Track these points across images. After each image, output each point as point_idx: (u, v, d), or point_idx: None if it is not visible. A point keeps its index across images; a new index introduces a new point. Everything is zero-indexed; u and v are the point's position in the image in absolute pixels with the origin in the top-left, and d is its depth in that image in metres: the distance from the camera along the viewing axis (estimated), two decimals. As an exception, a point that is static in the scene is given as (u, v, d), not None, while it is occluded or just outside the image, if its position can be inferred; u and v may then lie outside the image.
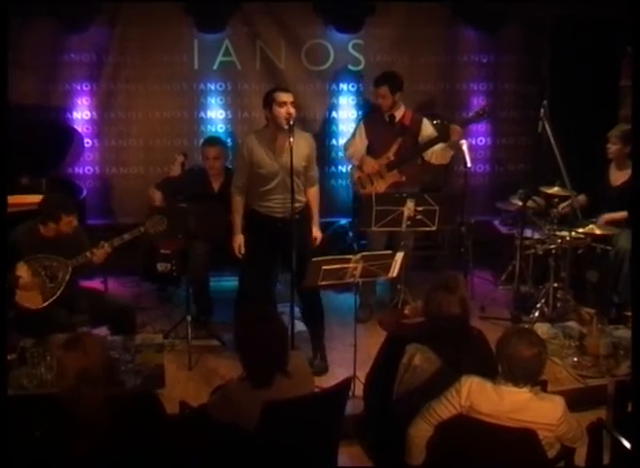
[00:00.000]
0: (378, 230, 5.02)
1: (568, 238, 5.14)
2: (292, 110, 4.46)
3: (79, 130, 6.27)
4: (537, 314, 5.28)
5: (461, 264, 5.58)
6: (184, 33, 6.21)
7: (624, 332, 4.10)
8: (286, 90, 4.66)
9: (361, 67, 6.44)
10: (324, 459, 3.16)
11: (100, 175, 6.45)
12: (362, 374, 3.98)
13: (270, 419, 2.85)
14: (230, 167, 5.51)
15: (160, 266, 5.51)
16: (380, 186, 5.34)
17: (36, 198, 4.94)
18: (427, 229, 5.03)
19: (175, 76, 6.29)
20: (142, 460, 2.75)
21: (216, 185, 5.46)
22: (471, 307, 3.60)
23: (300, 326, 4.89)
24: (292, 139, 4.37)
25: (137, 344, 4.08)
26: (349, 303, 4.92)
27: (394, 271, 4.29)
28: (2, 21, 4.04)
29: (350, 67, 6.44)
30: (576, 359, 3.96)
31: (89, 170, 6.43)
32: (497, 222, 6.38)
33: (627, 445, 3.08)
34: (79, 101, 6.26)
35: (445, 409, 3.02)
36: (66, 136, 6.12)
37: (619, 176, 5.42)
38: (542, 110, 5.17)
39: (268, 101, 4.53)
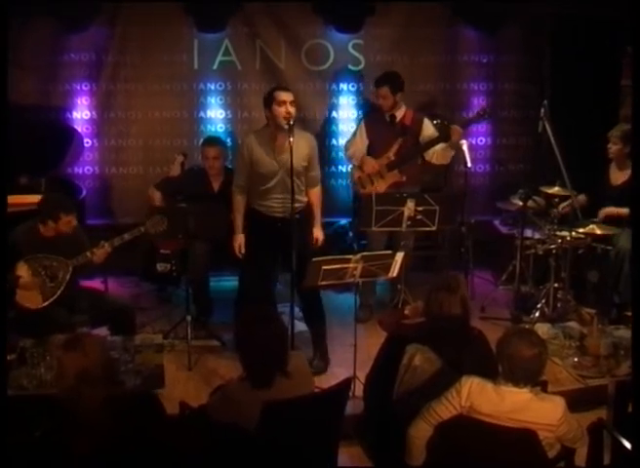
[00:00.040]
0: (378, 230, 5.02)
1: (568, 238, 5.14)
2: (291, 109, 4.45)
3: (79, 129, 6.26)
4: (537, 314, 5.27)
5: (462, 264, 5.57)
6: (184, 33, 6.21)
7: (625, 333, 4.09)
8: (286, 89, 4.65)
9: (361, 67, 6.44)
10: (324, 459, 3.15)
11: (99, 174, 6.45)
12: (362, 375, 3.98)
13: (270, 419, 2.85)
14: (230, 167, 5.51)
15: (160, 266, 5.50)
16: (381, 186, 5.34)
17: (35, 198, 4.94)
18: (428, 229, 5.03)
19: (174, 76, 6.29)
20: (142, 461, 2.75)
21: (215, 185, 5.45)
22: (472, 307, 3.60)
23: (300, 326, 4.88)
24: (292, 139, 4.37)
25: (136, 344, 4.07)
26: (349, 303, 4.91)
27: (394, 271, 4.29)
28: (2, 21, 4.04)
29: (350, 67, 6.44)
30: (576, 359, 3.95)
31: (88, 170, 6.43)
32: (497, 222, 6.38)
33: (628, 445, 3.08)
34: (79, 101, 6.26)
35: (445, 409, 3.01)
36: (66, 135, 6.11)
37: (619, 176, 5.41)
38: (543, 110, 5.17)
39: (269, 101, 4.53)
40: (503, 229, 6.22)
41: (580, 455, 3.26)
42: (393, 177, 5.33)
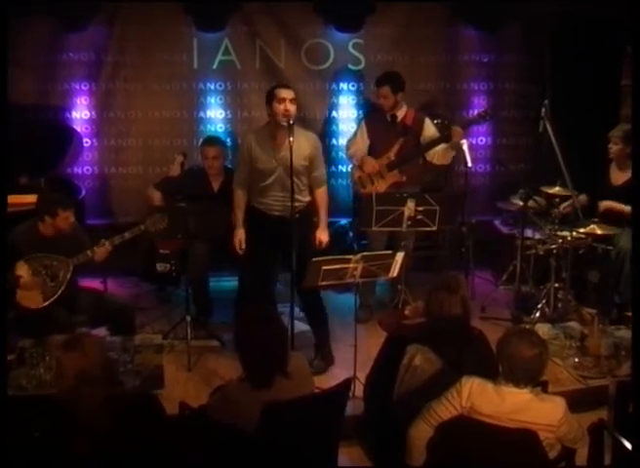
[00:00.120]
0: (378, 230, 5.01)
1: (569, 238, 5.13)
2: (290, 107, 4.44)
3: (78, 129, 6.25)
4: (538, 314, 5.26)
5: (462, 264, 5.56)
6: (184, 32, 6.20)
7: (626, 333, 4.09)
8: (287, 86, 4.66)
9: (361, 67, 6.43)
10: (324, 460, 3.15)
11: (99, 174, 6.44)
12: (362, 375, 3.97)
13: (270, 420, 2.84)
14: (230, 166, 5.51)
15: (159, 266, 5.49)
16: (381, 186, 5.33)
17: (35, 198, 4.93)
18: (428, 229, 5.02)
19: (174, 75, 6.28)
20: (142, 461, 2.74)
21: (215, 185, 5.45)
22: (472, 307, 3.60)
23: (300, 326, 4.88)
24: (292, 139, 4.36)
25: (136, 345, 4.07)
26: (349, 304, 4.90)
27: (394, 271, 4.28)
28: (2, 21, 4.03)
29: (350, 67, 6.43)
30: (577, 359, 3.95)
31: (88, 169, 6.42)
32: (497, 222, 6.37)
33: (628, 445, 3.07)
34: (78, 101, 6.25)
35: (445, 409, 3.01)
36: (65, 135, 6.10)
37: (620, 176, 5.41)
38: (543, 110, 5.17)
39: (269, 98, 4.53)
40: (504, 229, 6.22)
41: (581, 456, 3.26)
42: (393, 177, 5.32)
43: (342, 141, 6.27)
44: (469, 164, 5.33)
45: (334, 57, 6.39)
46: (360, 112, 6.46)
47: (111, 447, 2.68)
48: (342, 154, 6.31)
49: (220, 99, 6.40)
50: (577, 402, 3.42)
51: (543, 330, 4.17)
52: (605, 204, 5.31)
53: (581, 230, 5.18)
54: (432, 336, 3.33)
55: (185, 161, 5.29)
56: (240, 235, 4.71)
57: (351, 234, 6.25)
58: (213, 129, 6.41)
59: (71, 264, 4.43)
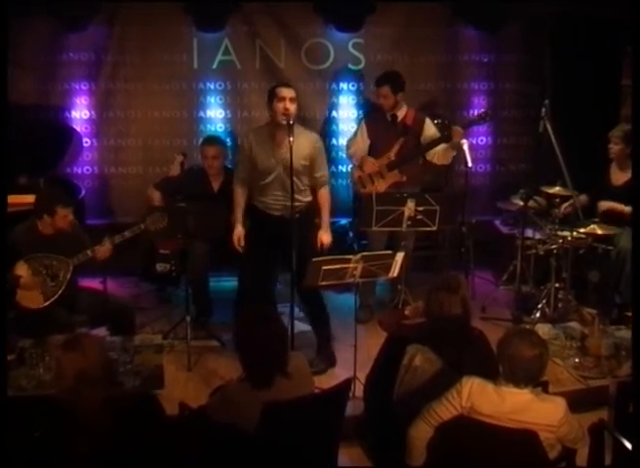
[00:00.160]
0: (378, 230, 5.01)
1: (569, 238, 5.13)
2: (289, 106, 4.44)
3: (78, 129, 6.25)
4: (538, 314, 5.26)
5: (462, 264, 5.55)
6: (184, 32, 6.20)
7: (626, 333, 4.08)
8: (287, 85, 4.67)
9: (361, 66, 6.43)
10: (324, 460, 3.15)
11: (98, 174, 6.44)
12: (362, 375, 3.97)
13: (270, 420, 2.84)
14: (230, 166, 5.50)
15: (159, 266, 5.48)
16: (381, 186, 5.32)
17: (34, 198, 4.92)
18: (428, 229, 5.01)
19: (174, 75, 6.28)
20: (142, 461, 2.74)
21: (215, 185, 5.44)
22: (472, 308, 3.59)
23: (300, 326, 4.87)
24: (291, 139, 4.35)
25: (135, 345, 4.06)
26: (349, 304, 4.90)
27: (394, 271, 4.28)
28: (2, 21, 4.02)
29: (350, 66, 6.43)
30: (577, 360, 3.95)
31: (87, 169, 6.42)
32: (498, 222, 6.37)
33: (629, 445, 3.07)
34: (78, 101, 6.25)
35: (446, 409, 3.01)
36: (65, 135, 6.10)
37: (620, 176, 5.40)
38: (544, 110, 5.16)
39: (270, 97, 4.54)
40: (504, 229, 6.22)
41: (582, 456, 3.25)
42: (393, 177, 5.31)
43: (342, 141, 6.27)
44: (470, 164, 5.32)
45: (334, 56, 6.39)
46: (360, 112, 6.46)
47: (111, 447, 2.68)
48: (342, 154, 6.31)
49: (220, 99, 6.40)
50: (577, 402, 3.41)
51: (544, 330, 4.16)
52: (605, 205, 5.30)
53: (582, 230, 5.17)
54: (432, 336, 3.33)
55: (185, 161, 5.28)
56: (239, 233, 4.71)
57: (351, 234, 6.24)
58: (213, 129, 6.41)
59: (71, 264, 4.42)
